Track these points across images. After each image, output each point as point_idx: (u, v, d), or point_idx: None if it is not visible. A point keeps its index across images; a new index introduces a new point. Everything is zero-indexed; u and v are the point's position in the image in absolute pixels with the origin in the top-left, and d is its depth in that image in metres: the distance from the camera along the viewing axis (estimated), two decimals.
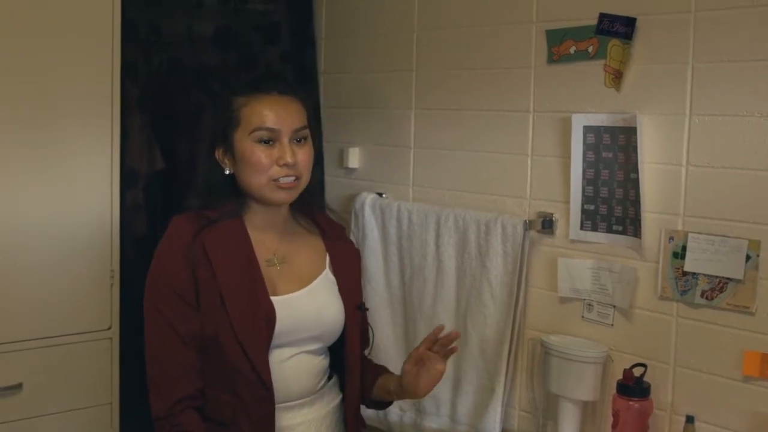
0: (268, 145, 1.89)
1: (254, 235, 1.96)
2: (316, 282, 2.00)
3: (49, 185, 2.49)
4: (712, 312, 2.10)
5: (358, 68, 3.02)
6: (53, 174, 2.49)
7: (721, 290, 2.08)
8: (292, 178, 1.91)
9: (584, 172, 2.33)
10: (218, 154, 1.95)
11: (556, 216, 2.42)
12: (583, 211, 2.34)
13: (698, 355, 2.14)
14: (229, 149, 1.92)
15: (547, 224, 2.42)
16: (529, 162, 2.48)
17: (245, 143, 1.89)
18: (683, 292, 2.15)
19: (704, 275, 2.11)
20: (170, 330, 1.86)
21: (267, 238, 1.98)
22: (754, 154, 2.02)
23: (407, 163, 2.84)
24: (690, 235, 2.13)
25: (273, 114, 1.90)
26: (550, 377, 2.34)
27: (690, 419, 2.11)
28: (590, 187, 2.32)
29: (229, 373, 1.87)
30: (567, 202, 2.38)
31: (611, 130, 2.26)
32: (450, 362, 2.59)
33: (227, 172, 1.94)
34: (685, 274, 2.14)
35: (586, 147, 2.31)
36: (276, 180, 1.90)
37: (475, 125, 2.62)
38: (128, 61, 2.70)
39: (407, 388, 1.99)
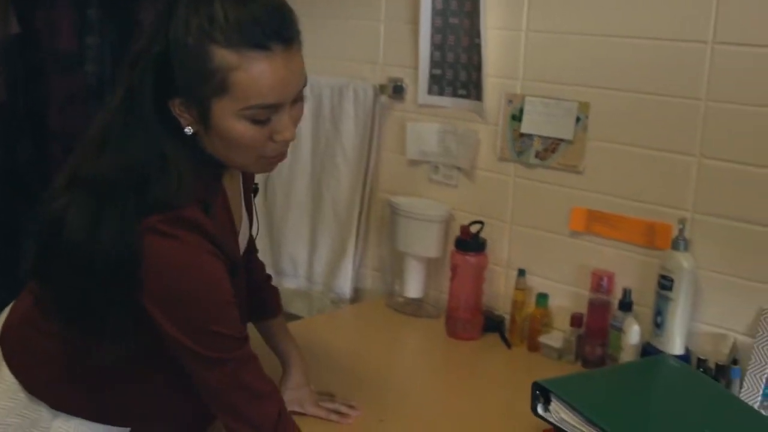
0: (263, 121, 1.39)
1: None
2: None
3: None
4: (544, 171, 2.22)
5: None
6: None
7: (554, 151, 2.19)
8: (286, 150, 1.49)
9: (432, 37, 2.38)
10: (174, 106, 1.39)
11: (406, 81, 2.48)
12: (431, 76, 2.41)
13: (532, 213, 2.26)
14: (200, 112, 1.38)
15: (398, 89, 2.48)
16: (381, 28, 2.52)
17: (231, 120, 1.37)
18: (519, 153, 2.25)
19: (538, 136, 2.21)
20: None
21: (232, 198, 1.58)
22: (587, 20, 2.09)
23: None
24: (527, 98, 2.21)
25: (278, 83, 1.36)
26: (398, 236, 2.44)
27: (521, 272, 2.24)
28: (438, 53, 2.38)
29: None
30: (416, 67, 2.44)
31: None
32: (306, 224, 2.71)
33: (187, 131, 1.41)
34: (522, 135, 2.24)
35: (435, 13, 2.36)
36: (268, 156, 1.46)
37: None
38: None
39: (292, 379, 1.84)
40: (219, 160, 1.46)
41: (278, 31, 1.35)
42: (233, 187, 1.59)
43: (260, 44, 1.33)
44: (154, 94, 1.38)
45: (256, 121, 1.38)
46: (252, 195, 1.73)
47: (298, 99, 1.43)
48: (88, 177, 1.41)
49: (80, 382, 1.56)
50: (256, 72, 1.33)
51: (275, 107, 1.38)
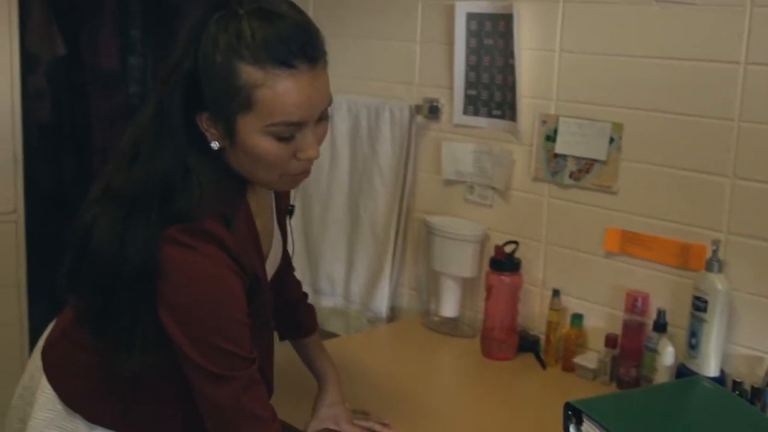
0: (287, 138, 1.41)
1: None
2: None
3: None
4: (578, 192, 2.22)
5: None
6: None
7: (588, 171, 2.19)
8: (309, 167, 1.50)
9: (467, 58, 2.40)
10: (201, 121, 1.41)
11: (442, 101, 2.50)
12: (466, 97, 2.43)
13: (566, 233, 2.27)
14: (225, 128, 1.40)
15: (433, 109, 2.51)
16: (417, 49, 2.55)
17: (255, 136, 1.39)
18: (554, 174, 2.26)
19: (572, 157, 2.21)
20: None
21: (261, 221, 1.58)
22: (620, 41, 2.10)
23: None
24: (561, 118, 2.22)
25: (304, 102, 1.38)
26: (433, 256, 2.46)
27: (556, 293, 2.25)
28: (473, 73, 2.40)
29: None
30: (452, 88, 2.46)
31: (492, 18, 2.32)
32: (343, 243, 2.73)
33: (213, 146, 1.43)
34: (556, 156, 2.25)
35: (469, 34, 2.38)
36: (291, 174, 1.47)
37: (365, 13, 2.67)
38: None
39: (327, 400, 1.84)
40: (243, 176, 1.47)
41: (303, 49, 1.36)
42: (262, 204, 1.61)
43: (285, 62, 1.35)
44: (183, 108, 1.40)
45: (280, 138, 1.39)
46: (288, 216, 1.75)
47: (323, 117, 1.45)
48: (116, 188, 1.44)
49: (113, 394, 1.59)
50: (281, 89, 1.35)
51: (300, 125, 1.39)
